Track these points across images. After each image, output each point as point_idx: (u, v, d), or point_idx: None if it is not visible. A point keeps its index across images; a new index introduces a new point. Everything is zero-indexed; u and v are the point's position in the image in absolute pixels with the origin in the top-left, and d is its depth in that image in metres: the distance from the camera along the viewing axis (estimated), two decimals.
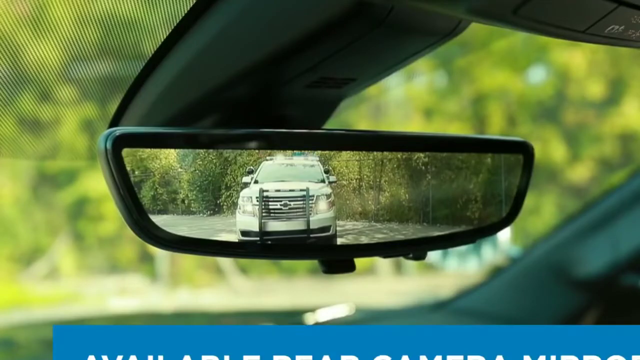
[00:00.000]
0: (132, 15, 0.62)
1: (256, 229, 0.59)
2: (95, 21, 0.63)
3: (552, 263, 1.35)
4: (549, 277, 1.35)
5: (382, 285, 7.93)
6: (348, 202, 0.63)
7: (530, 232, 7.80)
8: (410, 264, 8.06)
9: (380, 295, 7.43)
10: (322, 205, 0.61)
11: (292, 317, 1.63)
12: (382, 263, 7.90)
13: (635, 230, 1.27)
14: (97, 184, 8.29)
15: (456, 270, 1.49)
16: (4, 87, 0.71)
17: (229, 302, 7.58)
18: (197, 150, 0.58)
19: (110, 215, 8.52)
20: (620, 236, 1.27)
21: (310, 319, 1.47)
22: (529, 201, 0.74)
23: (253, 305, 6.99)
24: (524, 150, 0.70)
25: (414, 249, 0.67)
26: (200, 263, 8.32)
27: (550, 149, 7.95)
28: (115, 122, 0.79)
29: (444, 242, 0.71)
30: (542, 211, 7.92)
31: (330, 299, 7.35)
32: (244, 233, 0.60)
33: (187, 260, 8.09)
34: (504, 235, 1.43)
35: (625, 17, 0.40)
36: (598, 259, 1.28)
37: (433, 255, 1.47)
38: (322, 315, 1.50)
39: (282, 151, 0.59)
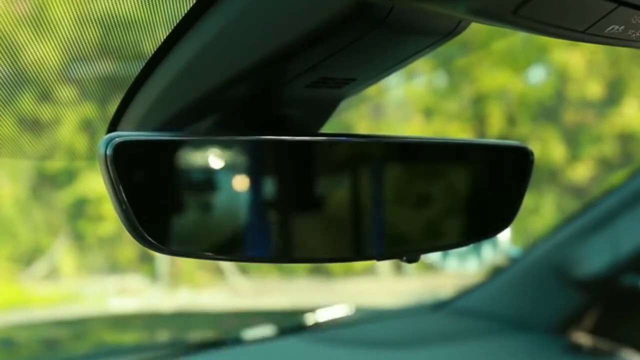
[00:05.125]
0: (132, 15, 0.62)
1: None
2: (96, 21, 0.63)
3: (552, 263, 1.35)
4: (549, 277, 1.35)
5: (382, 285, 7.94)
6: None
7: (530, 232, 7.81)
8: (410, 264, 8.04)
9: (380, 295, 7.43)
10: None
11: (292, 317, 1.63)
12: (382, 263, 7.90)
13: (635, 230, 1.27)
14: (96, 184, 8.29)
15: (456, 270, 1.49)
16: (4, 87, 0.71)
17: (229, 303, 7.59)
18: (201, 157, 0.58)
19: (110, 215, 8.52)
20: (620, 236, 1.27)
21: (310, 318, 1.47)
22: (528, 201, 0.74)
23: (253, 305, 6.99)
24: (523, 154, 0.70)
25: (409, 251, 0.67)
26: (200, 263, 8.32)
27: (550, 149, 7.96)
28: (115, 122, 0.79)
29: (441, 245, 0.71)
30: (541, 211, 7.92)
31: (330, 299, 7.35)
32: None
33: (187, 261, 8.10)
34: (504, 235, 1.43)
35: (625, 17, 0.40)
36: (598, 259, 1.28)
37: (433, 256, 1.47)
38: (322, 315, 1.50)
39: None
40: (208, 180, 0.58)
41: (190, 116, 0.69)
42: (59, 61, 0.71)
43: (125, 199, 0.54)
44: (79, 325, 1.88)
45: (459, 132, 7.97)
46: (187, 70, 0.65)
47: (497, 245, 1.44)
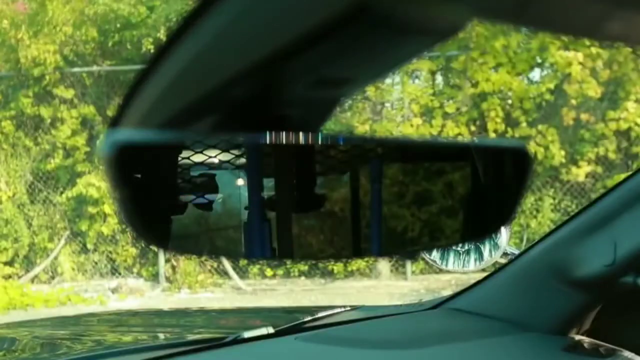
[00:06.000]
0: (132, 15, 0.62)
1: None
2: (96, 21, 0.63)
3: (552, 263, 1.35)
4: (548, 277, 1.35)
5: (382, 285, 7.93)
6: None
7: (530, 232, 7.80)
8: (409, 264, 8.07)
9: (380, 295, 7.43)
10: None
11: (292, 316, 1.63)
12: (382, 263, 7.91)
13: (635, 230, 1.27)
14: (97, 183, 8.29)
15: (456, 270, 1.49)
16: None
17: (229, 303, 7.59)
18: (201, 156, 0.58)
19: (110, 215, 8.52)
20: (620, 236, 1.27)
21: (309, 318, 1.47)
22: (529, 201, 0.75)
23: (253, 305, 6.98)
24: (521, 155, 0.70)
25: (408, 250, 0.67)
26: (201, 263, 8.32)
27: (549, 149, 7.95)
28: (115, 121, 0.79)
29: (441, 244, 0.71)
30: (541, 211, 7.92)
31: (330, 299, 7.35)
32: None
33: (187, 261, 8.10)
34: (504, 235, 1.43)
35: (626, 17, 0.40)
36: (598, 259, 1.28)
37: (433, 255, 1.47)
38: (321, 315, 1.50)
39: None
40: (208, 179, 0.58)
41: (190, 116, 0.69)
42: (59, 61, 0.71)
43: (126, 198, 0.54)
44: (79, 325, 1.88)
45: (458, 131, 7.97)
46: (187, 70, 0.65)
47: (496, 245, 1.44)
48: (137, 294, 8.21)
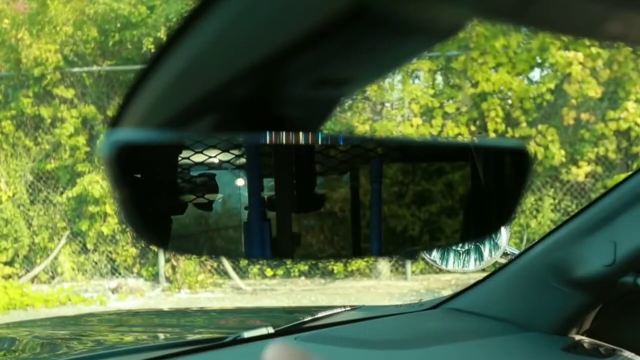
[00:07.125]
0: (133, 15, 0.62)
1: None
2: (96, 21, 0.63)
3: (552, 263, 1.35)
4: (548, 277, 1.35)
5: (382, 285, 7.94)
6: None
7: (530, 232, 7.80)
8: (409, 264, 8.07)
9: (380, 295, 7.43)
10: None
11: (292, 316, 1.63)
12: (382, 262, 7.91)
13: (635, 230, 1.27)
14: (97, 183, 8.29)
15: (456, 270, 1.49)
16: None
17: (229, 303, 7.59)
18: (201, 156, 0.58)
19: (110, 215, 8.52)
20: (620, 236, 1.27)
21: (309, 318, 1.47)
22: (529, 201, 0.75)
23: (253, 305, 6.99)
24: (521, 155, 0.70)
25: (407, 250, 0.67)
26: (201, 263, 8.32)
27: (549, 149, 7.95)
28: (115, 121, 0.79)
29: (441, 244, 0.71)
30: (541, 211, 7.92)
31: (330, 299, 7.35)
32: None
33: (187, 261, 8.10)
34: (504, 235, 1.43)
35: (626, 17, 0.40)
36: (598, 259, 1.28)
37: (433, 255, 1.47)
38: (321, 315, 1.50)
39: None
40: (208, 179, 0.58)
41: (190, 116, 0.69)
42: (59, 61, 0.71)
43: (126, 198, 0.54)
44: (79, 325, 1.88)
45: (458, 132, 7.97)
46: (187, 70, 0.65)
47: (496, 245, 1.44)
48: (137, 294, 8.21)
